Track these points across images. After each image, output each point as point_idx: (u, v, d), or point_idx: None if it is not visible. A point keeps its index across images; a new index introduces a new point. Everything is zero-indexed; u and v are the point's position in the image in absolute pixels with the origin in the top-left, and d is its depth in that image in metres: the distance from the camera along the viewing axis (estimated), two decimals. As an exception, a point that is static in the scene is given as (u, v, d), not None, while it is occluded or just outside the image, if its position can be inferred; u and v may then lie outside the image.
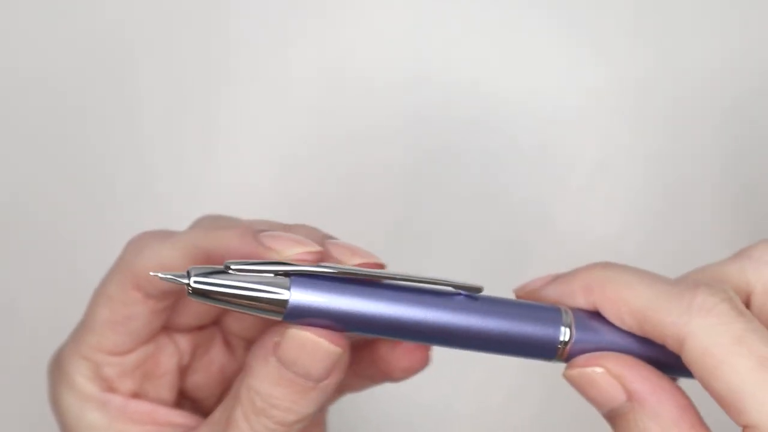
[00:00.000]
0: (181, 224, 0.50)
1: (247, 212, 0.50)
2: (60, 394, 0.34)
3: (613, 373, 0.31)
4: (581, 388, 0.31)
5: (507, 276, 0.49)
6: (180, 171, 0.50)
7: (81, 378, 0.33)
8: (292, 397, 0.30)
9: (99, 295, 0.33)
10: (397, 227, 0.49)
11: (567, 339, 0.31)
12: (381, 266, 0.31)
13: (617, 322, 0.31)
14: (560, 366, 0.32)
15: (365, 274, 0.30)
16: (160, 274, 0.29)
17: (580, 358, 0.31)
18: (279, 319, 0.30)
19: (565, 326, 0.31)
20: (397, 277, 0.30)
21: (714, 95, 0.52)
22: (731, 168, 0.52)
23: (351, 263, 0.31)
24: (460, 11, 0.51)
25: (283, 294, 0.29)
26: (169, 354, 0.35)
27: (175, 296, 0.33)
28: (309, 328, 0.30)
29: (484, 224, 0.50)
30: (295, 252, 0.30)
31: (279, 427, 0.31)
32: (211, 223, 0.34)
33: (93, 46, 0.51)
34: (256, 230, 0.31)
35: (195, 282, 0.29)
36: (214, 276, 0.29)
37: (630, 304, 0.31)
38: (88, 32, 0.51)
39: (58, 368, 0.34)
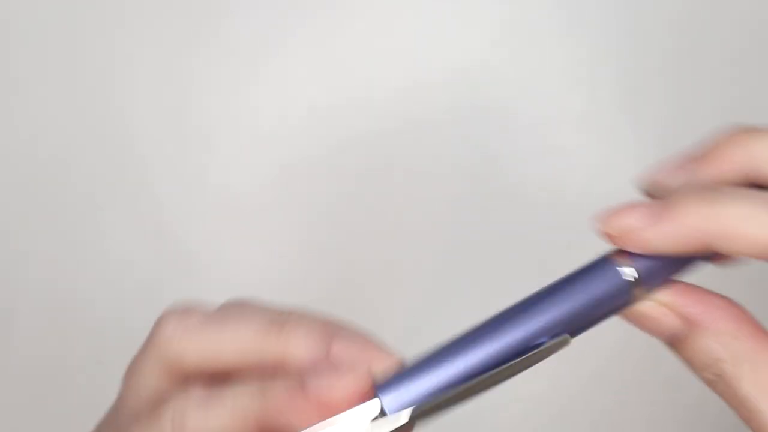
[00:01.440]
0: (181, 224, 0.50)
1: (247, 212, 0.50)
2: None
3: (662, 303, 0.31)
4: (637, 323, 0.31)
5: (505, 274, 0.50)
6: (180, 171, 0.51)
7: None
8: None
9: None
10: (397, 227, 0.50)
11: (636, 277, 0.30)
12: (399, 362, 0.32)
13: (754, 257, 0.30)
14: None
15: (464, 391, 0.30)
16: None
17: None
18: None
19: (625, 267, 0.31)
20: (489, 379, 0.30)
21: (714, 95, 0.52)
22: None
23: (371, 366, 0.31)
24: (461, 12, 0.51)
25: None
26: None
27: None
28: None
29: (483, 223, 0.50)
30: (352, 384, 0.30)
31: None
32: (259, 384, 0.32)
33: (92, 45, 0.51)
34: (302, 385, 0.30)
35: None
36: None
37: (756, 246, 0.29)
38: (88, 32, 0.51)
39: None
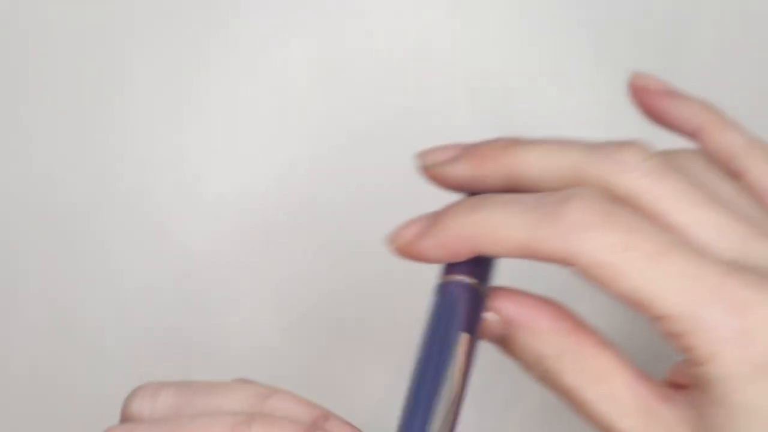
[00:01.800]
0: (180, 227, 0.50)
1: (247, 212, 0.50)
2: None
3: (491, 308, 0.32)
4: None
5: (505, 277, 0.50)
6: (180, 171, 0.50)
7: None
8: None
9: None
10: (395, 226, 0.50)
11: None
12: None
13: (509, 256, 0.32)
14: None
15: None
16: None
17: None
18: None
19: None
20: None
21: (714, 94, 0.52)
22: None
23: None
24: (461, 11, 0.51)
25: None
26: None
27: None
28: None
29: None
30: None
31: None
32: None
33: (92, 45, 0.51)
34: None
35: None
36: None
37: (511, 246, 0.31)
38: (87, 32, 0.51)
39: None
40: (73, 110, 0.51)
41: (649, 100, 0.35)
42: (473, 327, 0.31)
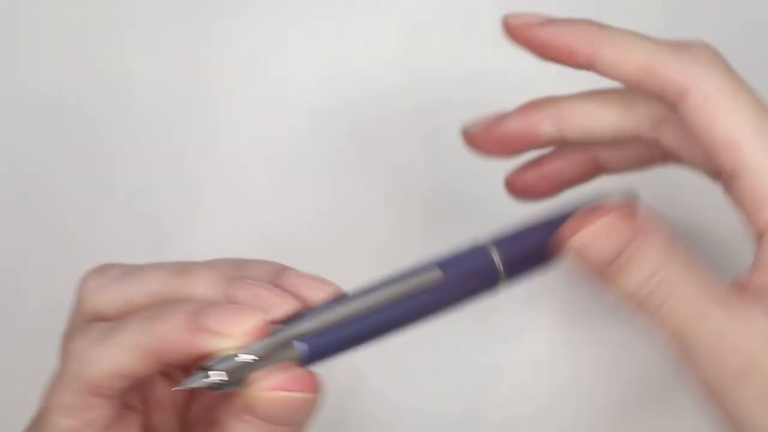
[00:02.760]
0: (181, 224, 0.50)
1: (247, 212, 0.50)
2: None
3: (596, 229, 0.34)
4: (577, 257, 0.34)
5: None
6: (180, 171, 0.50)
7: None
8: None
9: (53, 406, 0.32)
10: (396, 226, 0.50)
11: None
12: (343, 294, 0.33)
13: (618, 77, 0.33)
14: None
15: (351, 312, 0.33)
16: (179, 388, 0.31)
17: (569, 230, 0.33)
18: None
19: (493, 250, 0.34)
20: (369, 301, 0.33)
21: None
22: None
23: (317, 299, 0.32)
24: (461, 11, 0.51)
25: (295, 351, 0.31)
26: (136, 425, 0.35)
27: (132, 383, 0.33)
28: (280, 384, 0.31)
29: (484, 224, 0.50)
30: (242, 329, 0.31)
31: None
32: (151, 313, 0.32)
33: (92, 44, 0.51)
34: (193, 318, 0.31)
35: (216, 376, 0.30)
36: (226, 362, 0.31)
37: (634, 59, 0.33)
38: (87, 31, 0.51)
39: None
40: (73, 110, 0.51)
41: (529, 33, 0.35)
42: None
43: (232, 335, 0.30)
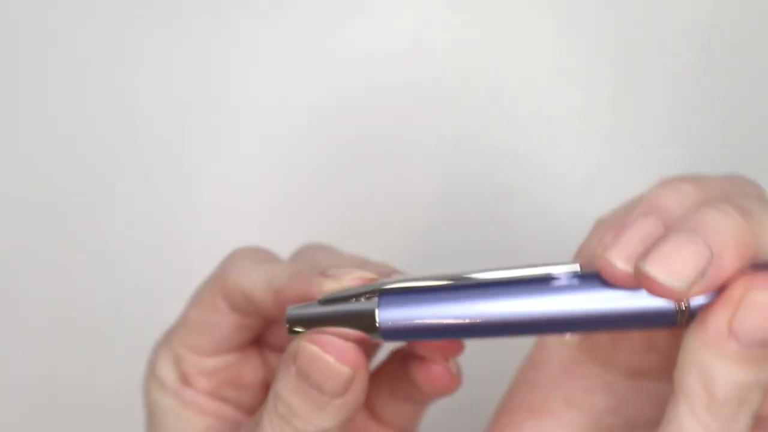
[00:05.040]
0: (181, 224, 0.50)
1: (247, 212, 0.50)
2: (146, 378, 0.36)
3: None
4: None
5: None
6: (180, 171, 0.50)
7: (163, 366, 0.35)
8: (308, 408, 0.30)
9: (194, 296, 0.35)
10: (397, 227, 0.50)
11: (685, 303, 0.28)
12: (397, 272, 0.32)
13: None
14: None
15: (454, 281, 0.29)
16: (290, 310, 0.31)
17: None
18: (379, 340, 0.30)
19: None
20: (488, 279, 0.29)
21: (715, 94, 0.52)
22: (735, 167, 0.52)
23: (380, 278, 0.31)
24: (461, 11, 0.51)
25: (372, 313, 0.29)
26: (256, 369, 0.36)
27: (262, 317, 0.34)
28: (324, 341, 0.30)
29: (484, 223, 0.50)
30: (353, 277, 0.31)
31: None
32: (302, 259, 0.35)
33: (91, 44, 0.51)
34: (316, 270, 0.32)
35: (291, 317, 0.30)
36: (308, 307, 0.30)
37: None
38: (86, 31, 0.51)
39: (151, 356, 0.36)
40: (73, 110, 0.51)
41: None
42: None
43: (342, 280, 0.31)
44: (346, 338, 0.30)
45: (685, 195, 0.29)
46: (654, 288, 0.27)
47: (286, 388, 0.30)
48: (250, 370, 0.36)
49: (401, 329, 0.29)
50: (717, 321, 0.28)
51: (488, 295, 0.29)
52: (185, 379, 0.35)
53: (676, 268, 0.27)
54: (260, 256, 0.35)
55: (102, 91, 0.51)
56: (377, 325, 0.29)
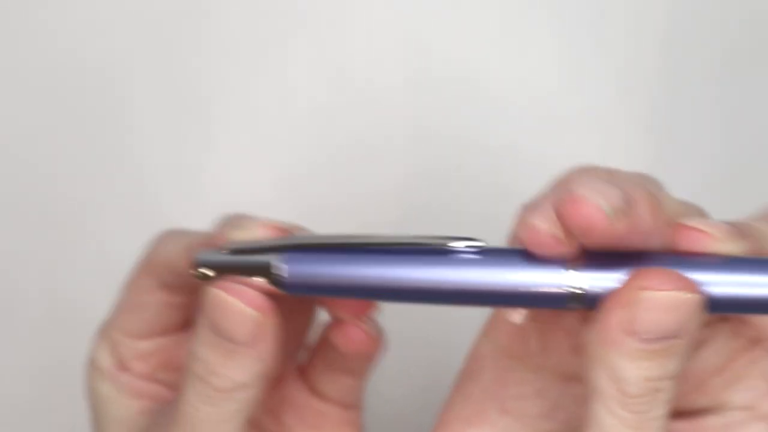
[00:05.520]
0: (181, 224, 0.50)
1: (247, 212, 0.50)
2: (86, 368, 0.37)
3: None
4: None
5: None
6: (180, 171, 0.50)
7: (100, 353, 0.36)
8: (222, 360, 0.31)
9: (126, 280, 0.37)
10: (398, 227, 0.49)
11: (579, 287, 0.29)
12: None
13: None
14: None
15: (362, 242, 0.31)
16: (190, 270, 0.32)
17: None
18: (284, 292, 0.31)
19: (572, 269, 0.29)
20: (391, 240, 0.31)
21: (715, 94, 0.52)
22: (734, 169, 0.52)
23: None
24: (461, 11, 0.51)
25: (277, 266, 0.30)
26: None
27: (190, 294, 0.35)
28: (230, 287, 0.31)
29: (484, 224, 0.50)
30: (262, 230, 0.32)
31: (218, 394, 0.31)
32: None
33: (91, 44, 0.51)
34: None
35: (198, 263, 0.31)
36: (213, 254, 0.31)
37: None
38: (86, 31, 0.51)
39: (91, 345, 0.37)
40: (74, 110, 0.50)
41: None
42: None
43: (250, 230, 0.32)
44: (252, 287, 0.31)
45: (599, 177, 0.30)
46: (581, 210, 0.28)
47: (198, 343, 0.31)
48: (185, 352, 0.35)
49: (304, 284, 0.30)
50: (616, 321, 0.28)
51: (386, 260, 0.30)
52: (121, 364, 0.36)
53: (604, 194, 0.28)
54: (185, 233, 0.35)
55: (101, 90, 0.51)
56: (282, 276, 0.30)
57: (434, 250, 0.30)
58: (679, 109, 0.51)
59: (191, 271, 0.31)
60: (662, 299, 0.28)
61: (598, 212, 0.28)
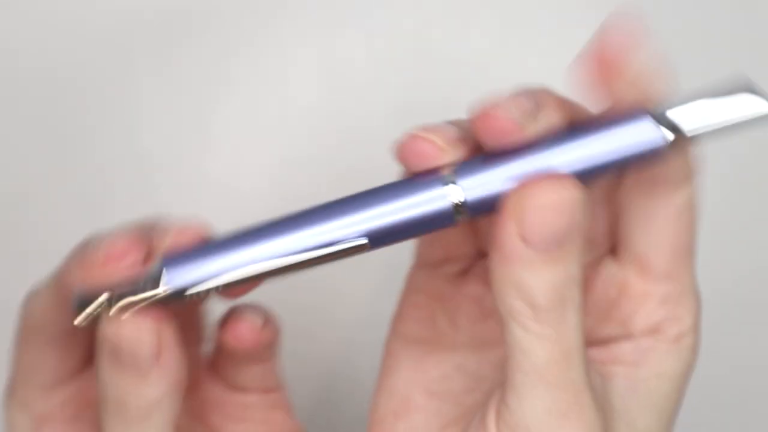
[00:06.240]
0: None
1: (247, 212, 0.50)
2: None
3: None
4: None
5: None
6: (180, 171, 0.50)
7: (16, 417, 0.35)
8: (131, 381, 0.31)
9: (14, 343, 0.35)
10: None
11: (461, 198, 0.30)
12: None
13: None
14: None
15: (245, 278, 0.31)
16: (80, 321, 0.31)
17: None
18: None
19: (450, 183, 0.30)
20: (281, 268, 0.31)
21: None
22: (734, 169, 0.52)
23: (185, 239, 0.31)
24: (461, 10, 0.51)
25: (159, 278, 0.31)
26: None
27: (84, 329, 0.33)
28: (121, 311, 0.30)
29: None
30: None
31: (136, 416, 0.31)
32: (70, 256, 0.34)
33: (92, 44, 0.51)
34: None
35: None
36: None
37: None
38: (87, 31, 0.51)
39: (3, 413, 0.36)
40: (74, 110, 0.51)
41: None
42: None
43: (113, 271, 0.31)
44: (139, 302, 0.31)
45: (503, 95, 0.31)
46: (491, 119, 0.30)
47: (104, 371, 0.31)
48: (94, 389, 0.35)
49: (186, 284, 0.31)
50: (507, 236, 0.29)
51: (269, 233, 0.31)
52: (40, 420, 0.35)
53: (513, 101, 0.30)
54: (44, 286, 0.34)
55: (101, 91, 0.51)
56: (169, 287, 0.30)
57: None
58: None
59: (78, 323, 0.31)
60: (549, 203, 0.29)
61: (508, 119, 0.30)
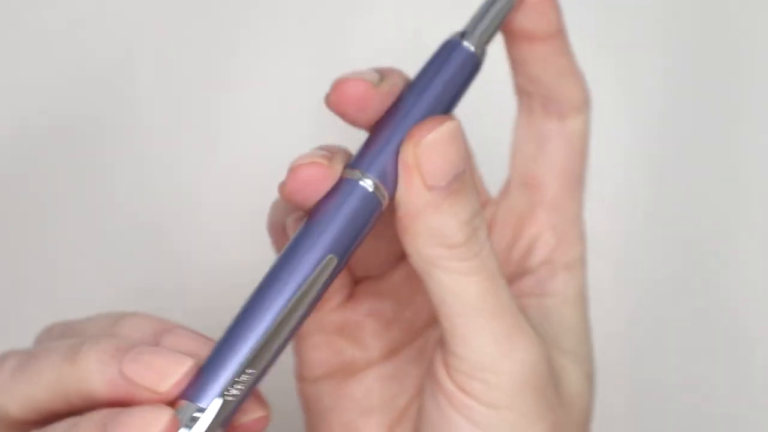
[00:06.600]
0: (181, 223, 0.50)
1: (247, 213, 0.50)
2: None
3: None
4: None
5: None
6: (180, 171, 0.51)
7: None
8: None
9: None
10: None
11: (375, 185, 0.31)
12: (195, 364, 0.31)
13: None
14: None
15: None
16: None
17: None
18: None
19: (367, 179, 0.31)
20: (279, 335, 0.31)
21: (714, 94, 0.52)
22: (733, 169, 0.52)
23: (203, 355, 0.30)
24: (461, 11, 0.51)
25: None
26: None
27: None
28: None
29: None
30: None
31: None
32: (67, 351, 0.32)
33: (93, 45, 0.51)
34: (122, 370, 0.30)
35: None
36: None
37: None
38: (88, 32, 0.51)
39: None
40: (74, 110, 0.51)
41: None
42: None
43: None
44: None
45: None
46: (347, 87, 0.33)
47: None
48: None
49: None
50: (414, 190, 0.30)
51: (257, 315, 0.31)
52: None
53: (360, 73, 0.33)
54: (14, 364, 0.32)
55: (101, 93, 0.51)
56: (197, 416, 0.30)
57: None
58: (680, 108, 0.51)
59: None
60: (436, 141, 0.30)
61: (362, 83, 0.32)
